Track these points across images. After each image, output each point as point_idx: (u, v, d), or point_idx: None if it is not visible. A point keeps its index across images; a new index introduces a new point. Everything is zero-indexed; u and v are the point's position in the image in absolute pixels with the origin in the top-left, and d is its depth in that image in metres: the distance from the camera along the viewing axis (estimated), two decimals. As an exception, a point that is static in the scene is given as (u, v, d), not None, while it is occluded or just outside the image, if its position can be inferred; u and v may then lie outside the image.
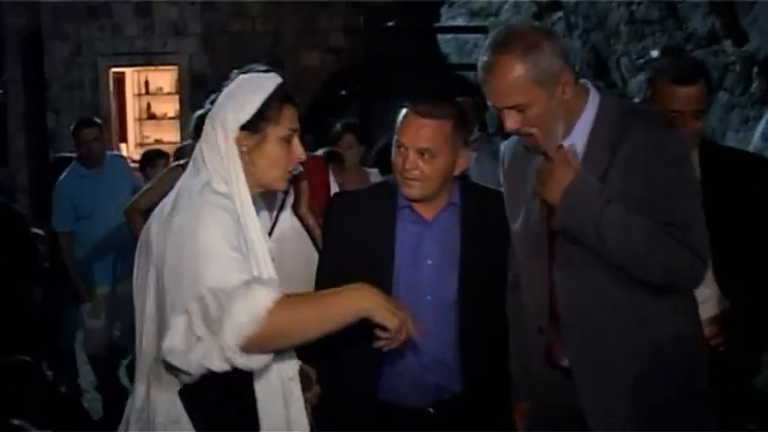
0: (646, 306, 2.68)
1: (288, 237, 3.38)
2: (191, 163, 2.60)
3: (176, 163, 5.29)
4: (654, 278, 2.62)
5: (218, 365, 2.30)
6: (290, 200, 3.51)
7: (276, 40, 12.18)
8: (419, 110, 2.96)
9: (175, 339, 2.31)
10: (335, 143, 6.02)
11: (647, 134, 2.63)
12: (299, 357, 2.61)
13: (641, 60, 7.80)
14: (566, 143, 2.67)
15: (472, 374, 3.07)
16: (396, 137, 3.01)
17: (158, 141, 12.75)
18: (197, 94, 11.29)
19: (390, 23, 12.26)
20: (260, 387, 2.48)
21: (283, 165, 2.61)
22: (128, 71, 13.33)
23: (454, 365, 3.08)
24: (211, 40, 12.11)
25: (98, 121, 7.06)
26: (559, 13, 9.40)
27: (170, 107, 13.34)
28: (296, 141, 2.61)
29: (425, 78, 10.82)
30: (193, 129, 4.10)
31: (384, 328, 2.44)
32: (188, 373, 2.34)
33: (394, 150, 3.03)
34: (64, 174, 6.68)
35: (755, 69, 6.42)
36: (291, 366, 2.57)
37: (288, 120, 2.57)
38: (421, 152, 2.95)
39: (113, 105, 12.65)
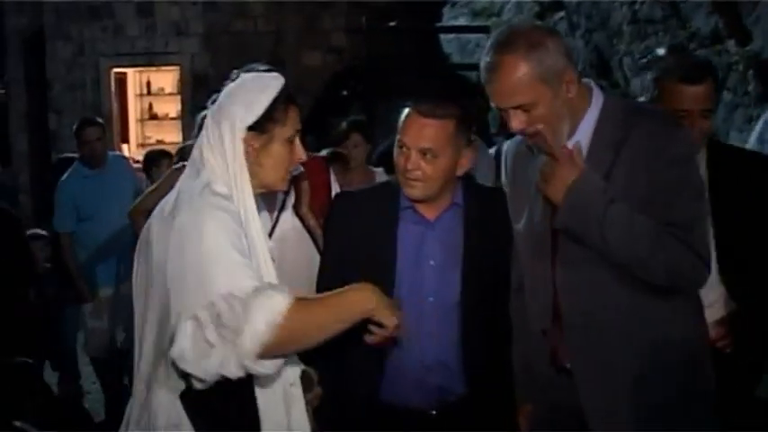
0: (648, 306, 2.66)
1: (289, 237, 3.36)
2: (189, 164, 2.58)
3: (181, 164, 5.27)
4: (656, 278, 2.61)
5: (235, 372, 2.30)
6: (291, 200, 3.49)
7: (278, 41, 12.17)
8: (421, 109, 2.94)
9: (186, 346, 2.29)
10: (342, 142, 5.99)
11: (652, 133, 2.61)
12: (301, 359, 2.59)
13: (644, 60, 7.78)
14: (570, 142, 2.65)
15: (475, 376, 3.05)
16: (398, 137, 2.99)
17: (160, 142, 12.73)
18: (199, 94, 11.29)
19: (392, 23, 12.25)
20: (261, 391, 2.47)
21: (286, 166, 2.62)
22: (129, 71, 13.32)
23: (457, 367, 3.05)
24: (213, 40, 12.10)
25: (100, 120, 7.05)
26: (562, 13, 9.39)
27: (172, 107, 13.33)
28: (297, 142, 2.62)
29: (427, 78, 10.80)
30: (198, 129, 4.11)
31: (380, 326, 2.51)
32: (202, 380, 2.34)
33: (396, 150, 3.01)
34: (66, 174, 6.67)
35: (750, 72, 6.40)
36: (293, 372, 2.56)
37: (292, 121, 2.58)
38: (423, 152, 2.93)
39: (115, 106, 12.64)
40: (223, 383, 2.35)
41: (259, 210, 2.56)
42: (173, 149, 6.92)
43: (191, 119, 11.57)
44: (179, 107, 12.82)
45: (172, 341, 2.34)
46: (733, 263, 3.20)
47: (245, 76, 2.59)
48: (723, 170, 3.24)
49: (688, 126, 3.05)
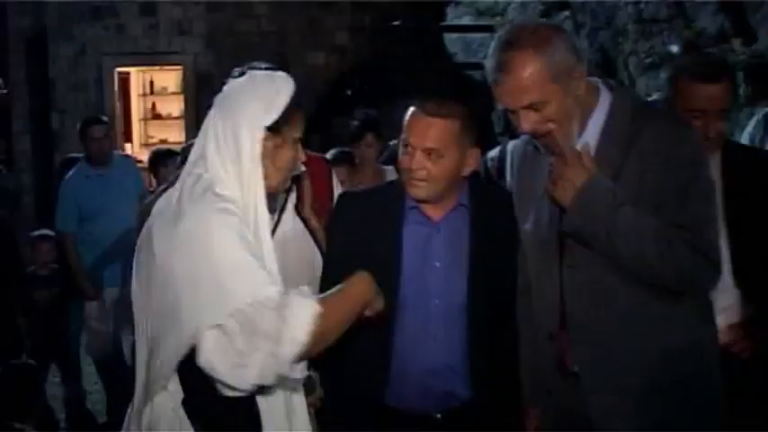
0: (657, 310, 2.63)
1: (290, 238, 3.32)
2: (191, 163, 2.54)
3: None
4: (666, 282, 2.58)
5: (272, 380, 2.33)
6: (292, 201, 3.46)
7: (281, 40, 12.14)
8: (426, 108, 2.89)
9: (214, 357, 2.29)
10: (356, 142, 5.96)
11: (661, 133, 2.58)
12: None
13: (649, 59, 7.75)
14: (579, 142, 2.61)
15: (481, 380, 3.01)
16: (402, 136, 2.96)
17: (163, 141, 12.72)
18: (202, 94, 11.27)
19: (396, 23, 12.23)
20: (262, 396, 2.45)
21: (291, 167, 2.63)
22: (132, 71, 13.31)
23: (462, 371, 3.01)
24: (216, 39, 12.08)
25: (105, 119, 7.05)
26: (567, 12, 9.36)
27: (175, 107, 13.31)
28: (299, 144, 2.63)
29: (432, 78, 10.78)
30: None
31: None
32: (237, 389, 2.33)
33: (400, 150, 2.98)
34: (70, 173, 6.66)
35: (741, 75, 6.35)
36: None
37: (300, 122, 2.59)
38: (428, 152, 2.89)
39: (118, 105, 12.61)
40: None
41: None
42: (176, 149, 6.88)
43: (194, 118, 11.57)
44: (182, 107, 12.80)
45: (178, 348, 2.34)
46: (749, 266, 3.15)
47: (254, 75, 2.57)
48: (738, 172, 3.17)
49: (703, 127, 3.02)
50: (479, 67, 10.61)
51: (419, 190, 2.94)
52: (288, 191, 3.32)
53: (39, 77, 12.37)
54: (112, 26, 12.19)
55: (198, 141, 2.56)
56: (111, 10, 12.15)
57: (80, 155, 6.84)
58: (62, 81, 12.24)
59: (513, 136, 3.11)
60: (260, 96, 2.50)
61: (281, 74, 2.59)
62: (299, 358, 2.34)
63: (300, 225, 3.41)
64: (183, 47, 12.25)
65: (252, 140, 2.45)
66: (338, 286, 2.56)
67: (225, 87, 2.57)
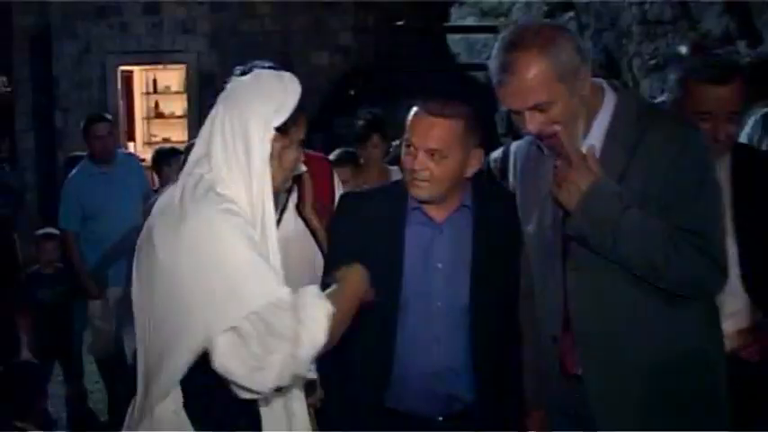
0: (662, 314, 2.61)
1: (291, 238, 3.31)
2: (193, 161, 2.51)
3: None
4: (671, 286, 2.56)
5: (288, 381, 2.34)
6: (293, 200, 3.45)
7: (285, 40, 12.13)
8: (430, 108, 2.87)
9: (230, 361, 2.28)
10: (362, 142, 5.95)
11: (667, 136, 2.56)
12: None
13: (654, 61, 7.74)
14: (584, 143, 2.60)
15: (483, 383, 2.99)
16: (405, 136, 2.94)
17: (166, 140, 12.71)
18: (205, 93, 11.26)
19: (400, 23, 12.22)
20: (262, 399, 2.43)
21: (293, 168, 2.61)
22: (136, 70, 13.30)
23: (465, 373, 2.99)
24: (220, 39, 12.07)
25: (109, 117, 7.04)
26: (571, 13, 9.35)
27: (178, 106, 13.31)
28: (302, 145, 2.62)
29: (435, 78, 10.76)
30: None
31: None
32: (255, 392, 2.33)
33: (403, 150, 2.96)
34: (73, 171, 6.66)
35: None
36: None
37: (304, 124, 2.57)
38: (431, 152, 2.86)
39: (121, 104, 12.61)
40: (228, 394, 2.34)
41: None
42: (180, 148, 6.86)
43: (197, 117, 11.56)
44: (185, 106, 12.80)
45: (189, 352, 2.32)
46: (757, 270, 3.10)
47: (260, 74, 2.54)
48: (748, 175, 3.12)
49: (712, 129, 2.98)
50: (483, 67, 10.59)
51: (421, 191, 2.92)
52: (289, 191, 3.31)
53: (42, 75, 12.38)
54: (116, 25, 12.19)
55: (200, 140, 2.53)
56: (115, 9, 12.14)
57: (84, 153, 6.82)
58: (66, 79, 12.24)
59: (517, 137, 3.09)
60: (270, 97, 2.47)
61: (287, 74, 2.56)
62: (314, 358, 2.36)
63: (301, 225, 3.40)
64: (186, 46, 12.24)
65: (262, 141, 2.43)
66: (335, 285, 2.58)
67: (229, 86, 2.54)
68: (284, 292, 2.34)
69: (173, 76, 13.34)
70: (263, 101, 2.46)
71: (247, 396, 2.35)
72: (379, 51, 12.06)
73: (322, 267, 3.15)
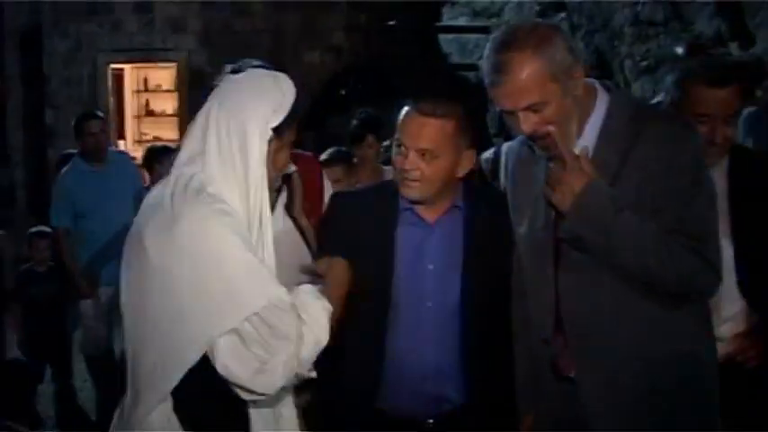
0: (655, 315, 2.60)
1: (280, 238, 3.29)
2: (181, 161, 2.47)
3: None
4: (666, 287, 2.54)
5: (291, 381, 2.35)
6: (282, 200, 3.43)
7: (276, 39, 12.12)
8: (421, 108, 2.86)
9: (232, 364, 2.27)
10: (357, 143, 5.93)
11: (661, 137, 2.54)
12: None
13: (645, 62, 7.74)
14: (577, 144, 2.58)
15: (475, 385, 2.97)
16: (396, 136, 2.92)
17: (157, 138, 12.69)
18: (196, 91, 11.23)
19: (392, 23, 12.21)
20: (252, 406, 2.42)
21: (282, 169, 2.58)
22: (127, 68, 13.29)
23: (456, 375, 2.97)
24: (211, 37, 12.05)
25: (102, 114, 7.01)
26: (563, 14, 9.34)
27: (169, 104, 13.30)
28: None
29: (427, 78, 10.75)
30: None
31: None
32: (259, 393, 2.32)
33: (394, 149, 2.94)
34: (65, 169, 6.63)
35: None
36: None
37: (296, 125, 2.53)
38: (422, 152, 2.85)
39: (112, 102, 12.58)
40: (220, 396, 2.34)
41: None
42: (172, 146, 6.83)
43: (188, 116, 11.53)
44: (176, 104, 12.79)
45: (187, 356, 2.30)
46: (754, 274, 3.08)
47: (255, 74, 2.53)
48: (745, 178, 3.10)
49: (709, 132, 2.96)
50: (474, 68, 10.60)
51: (412, 191, 2.90)
52: (278, 190, 3.29)
53: (33, 73, 12.34)
54: (107, 23, 12.17)
55: (191, 138, 2.47)
56: (107, 6, 12.12)
57: (74, 151, 6.79)
58: (56, 77, 12.21)
59: (508, 137, 3.08)
60: (268, 97, 2.44)
61: (282, 75, 2.53)
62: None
63: (290, 224, 3.38)
64: (177, 44, 12.22)
65: (261, 142, 2.40)
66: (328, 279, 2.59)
67: (223, 84, 2.50)
68: (282, 291, 2.33)
69: (164, 75, 13.33)
70: (262, 101, 2.43)
71: (249, 398, 2.34)
72: (371, 51, 12.05)
73: (311, 267, 3.13)
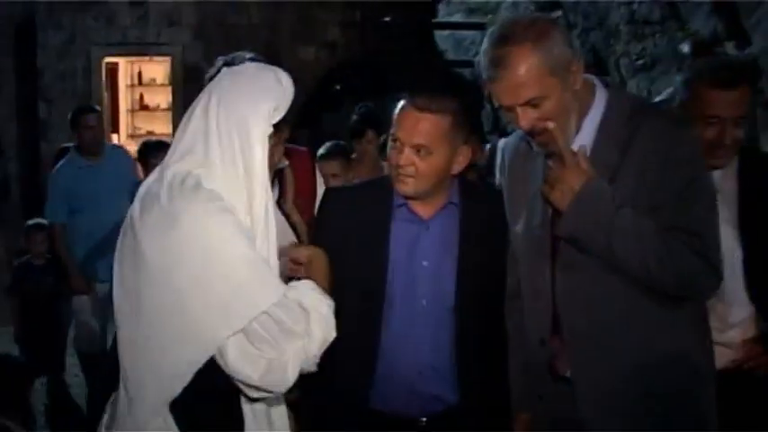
0: (653, 315, 2.57)
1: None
2: (174, 156, 2.41)
3: None
4: (665, 287, 2.52)
5: (296, 376, 2.32)
6: (274, 195, 3.41)
7: (271, 34, 12.09)
8: (417, 103, 2.83)
9: (243, 365, 2.25)
10: (357, 137, 5.90)
11: (660, 133, 2.52)
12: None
13: (641, 61, 7.72)
14: (575, 141, 2.56)
15: (469, 384, 2.95)
16: (391, 131, 2.90)
17: (150, 133, 12.70)
18: (190, 86, 11.20)
19: (387, 19, 12.19)
20: (244, 396, 2.39)
21: (276, 165, 2.55)
22: (121, 62, 13.27)
23: (450, 374, 2.95)
24: (206, 31, 12.02)
25: (98, 108, 6.99)
26: (558, 12, 9.32)
27: (163, 99, 13.28)
28: None
29: (423, 74, 10.74)
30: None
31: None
32: (269, 392, 2.32)
33: (389, 144, 2.92)
34: (60, 163, 6.61)
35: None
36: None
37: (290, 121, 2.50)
38: (416, 148, 2.82)
39: (106, 96, 12.54)
40: (218, 397, 2.34)
41: None
42: (167, 140, 6.80)
43: (182, 110, 11.48)
44: (170, 98, 12.76)
45: (195, 359, 2.27)
46: (764, 279, 3.04)
47: (254, 68, 2.48)
48: (756, 180, 3.06)
49: (718, 134, 2.94)
50: (470, 64, 10.59)
51: (407, 186, 2.88)
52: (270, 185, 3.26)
53: (27, 66, 12.30)
54: (102, 16, 12.12)
55: (188, 133, 2.41)
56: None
57: (72, 144, 6.76)
58: (50, 70, 12.17)
59: (503, 134, 3.06)
60: (270, 93, 2.40)
61: (280, 70, 2.49)
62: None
63: (282, 219, 3.36)
64: (172, 38, 12.19)
65: (263, 137, 2.36)
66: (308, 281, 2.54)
67: (220, 77, 2.45)
68: (285, 288, 2.31)
69: (158, 69, 13.31)
70: (264, 97, 2.39)
71: (258, 395, 2.32)
72: (367, 47, 12.03)
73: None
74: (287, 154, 2.72)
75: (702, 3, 6.98)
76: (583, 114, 2.59)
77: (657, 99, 3.39)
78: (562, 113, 2.51)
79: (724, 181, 3.02)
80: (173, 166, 2.40)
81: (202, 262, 2.23)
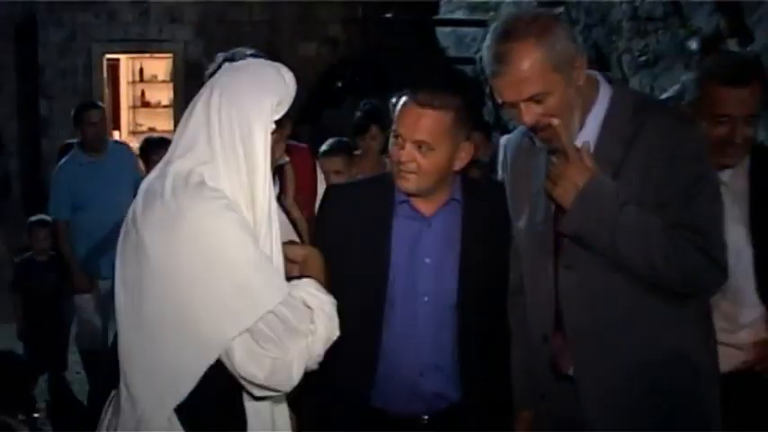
0: (657, 313, 2.55)
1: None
2: (176, 153, 2.38)
3: None
4: (670, 284, 2.50)
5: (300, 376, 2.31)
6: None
7: (273, 30, 12.09)
8: (418, 99, 2.81)
9: (249, 365, 2.23)
10: (360, 133, 5.89)
11: (664, 130, 2.50)
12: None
13: (644, 58, 7.71)
14: (579, 138, 2.54)
15: (470, 381, 2.93)
16: (393, 126, 2.88)
17: (152, 129, 12.71)
18: (192, 82, 11.20)
19: (389, 15, 12.18)
20: (247, 395, 2.37)
21: (276, 161, 2.51)
22: (122, 58, 13.28)
23: (452, 371, 2.93)
24: (207, 28, 12.03)
25: (101, 104, 6.98)
26: (561, 8, 9.31)
27: (164, 95, 13.29)
28: None
29: (424, 71, 10.73)
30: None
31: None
32: (275, 391, 2.31)
33: (391, 140, 2.90)
34: (63, 159, 6.60)
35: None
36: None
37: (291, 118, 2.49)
38: (418, 144, 2.80)
39: (107, 92, 12.55)
40: (221, 397, 2.32)
41: None
42: (168, 137, 6.79)
43: (183, 107, 11.46)
44: (171, 95, 12.76)
45: (202, 360, 2.25)
46: None
47: (257, 64, 2.46)
48: (767, 179, 3.01)
49: (729, 132, 2.91)
50: (471, 61, 10.57)
51: (408, 183, 2.86)
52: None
53: (28, 63, 12.30)
54: (103, 12, 12.13)
55: (190, 128, 2.39)
56: (102, -5, 12.10)
57: (75, 140, 6.75)
58: (51, 67, 12.18)
59: (505, 131, 3.04)
60: (273, 89, 2.37)
61: (283, 66, 2.47)
62: None
63: (282, 216, 3.34)
64: (173, 35, 12.20)
65: (266, 134, 2.33)
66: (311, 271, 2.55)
67: (222, 73, 2.43)
68: (289, 287, 2.31)
69: (159, 65, 13.32)
70: (267, 93, 2.36)
71: (262, 394, 2.31)
72: (368, 43, 12.03)
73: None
74: (287, 150, 2.70)
75: (705, 0, 6.97)
76: (586, 110, 2.57)
77: (664, 96, 3.36)
78: (565, 109, 2.49)
79: (735, 180, 2.98)
80: (175, 162, 2.37)
81: (208, 262, 2.21)
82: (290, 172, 3.31)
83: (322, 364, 2.37)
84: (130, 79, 13.68)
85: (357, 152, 5.69)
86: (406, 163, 2.82)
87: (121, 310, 2.37)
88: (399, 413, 2.94)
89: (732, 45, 6.66)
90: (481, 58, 2.58)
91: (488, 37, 2.55)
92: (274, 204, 2.38)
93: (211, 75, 2.49)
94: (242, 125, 2.32)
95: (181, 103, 11.78)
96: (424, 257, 2.92)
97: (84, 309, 6.49)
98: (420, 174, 2.83)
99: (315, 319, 2.31)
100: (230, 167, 2.31)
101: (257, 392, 2.30)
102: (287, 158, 2.91)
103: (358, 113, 6.05)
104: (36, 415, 6.12)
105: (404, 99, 2.86)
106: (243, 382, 2.28)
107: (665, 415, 2.58)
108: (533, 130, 2.56)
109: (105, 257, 6.10)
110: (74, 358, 6.83)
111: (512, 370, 2.92)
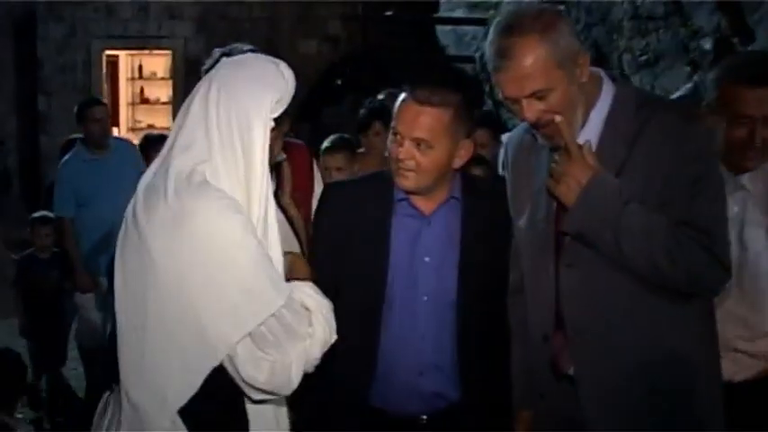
0: (658, 313, 2.53)
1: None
2: (176, 151, 2.34)
3: None
4: (674, 283, 2.48)
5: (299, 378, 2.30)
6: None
7: (273, 27, 12.09)
8: (417, 96, 2.78)
9: (253, 371, 2.23)
10: (364, 130, 5.88)
11: (668, 127, 2.48)
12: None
13: (644, 57, 7.70)
14: (581, 135, 2.52)
15: (470, 381, 2.91)
16: (392, 124, 2.85)
17: (151, 126, 12.71)
18: (191, 79, 11.16)
19: (389, 13, 12.18)
20: (250, 404, 2.36)
21: (274, 158, 2.48)
22: (121, 55, 13.28)
23: (451, 371, 2.91)
24: (207, 25, 12.03)
25: (105, 101, 6.97)
26: (561, 7, 9.30)
27: (163, 92, 13.30)
28: None
29: (424, 69, 10.73)
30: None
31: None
32: (275, 395, 2.31)
33: (389, 137, 2.88)
34: (66, 156, 6.59)
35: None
36: None
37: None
38: (417, 142, 2.77)
39: (106, 89, 12.54)
40: (222, 398, 2.30)
41: None
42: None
43: (182, 104, 11.46)
44: (170, 92, 12.76)
45: (206, 363, 2.23)
46: None
47: (256, 60, 2.44)
48: None
49: (749, 134, 2.84)
50: (471, 60, 10.55)
51: (407, 181, 2.83)
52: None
53: (27, 58, 12.29)
54: (102, 8, 12.13)
55: (186, 124, 2.35)
56: (102, -9, 12.09)
57: (79, 136, 6.73)
58: (50, 62, 12.18)
59: (504, 130, 3.02)
60: (272, 86, 2.35)
61: (282, 62, 2.45)
62: None
63: (279, 214, 3.32)
64: (173, 31, 12.20)
65: (265, 130, 2.30)
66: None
67: (220, 68, 2.40)
68: (289, 289, 2.29)
69: (159, 62, 13.33)
70: (267, 89, 2.34)
71: (261, 397, 2.30)
72: (368, 41, 12.02)
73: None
74: (285, 148, 2.68)
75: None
76: (589, 108, 2.55)
77: (676, 95, 3.32)
78: (568, 106, 2.47)
79: (754, 183, 2.92)
80: (175, 160, 2.33)
81: (215, 266, 2.19)
82: (287, 169, 3.29)
83: (321, 364, 2.36)
84: (129, 76, 13.70)
85: (360, 150, 5.65)
86: (405, 161, 2.80)
87: (122, 311, 2.33)
88: (399, 413, 2.92)
89: (734, 44, 6.66)
90: (481, 57, 2.56)
91: (491, 31, 2.53)
92: (271, 201, 2.36)
93: (208, 70, 2.47)
94: (241, 119, 2.29)
95: (180, 101, 11.63)
96: (424, 256, 2.89)
97: (85, 307, 6.48)
98: (419, 171, 2.80)
99: (313, 322, 2.30)
100: (228, 164, 2.29)
101: (256, 396, 2.29)
102: (284, 156, 2.89)
103: (362, 111, 6.03)
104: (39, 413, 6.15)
105: (403, 95, 2.83)
106: (242, 385, 2.26)
107: (665, 415, 2.56)
108: (535, 126, 2.54)
109: (107, 255, 6.06)
110: (72, 354, 6.83)
111: (512, 370, 2.90)
